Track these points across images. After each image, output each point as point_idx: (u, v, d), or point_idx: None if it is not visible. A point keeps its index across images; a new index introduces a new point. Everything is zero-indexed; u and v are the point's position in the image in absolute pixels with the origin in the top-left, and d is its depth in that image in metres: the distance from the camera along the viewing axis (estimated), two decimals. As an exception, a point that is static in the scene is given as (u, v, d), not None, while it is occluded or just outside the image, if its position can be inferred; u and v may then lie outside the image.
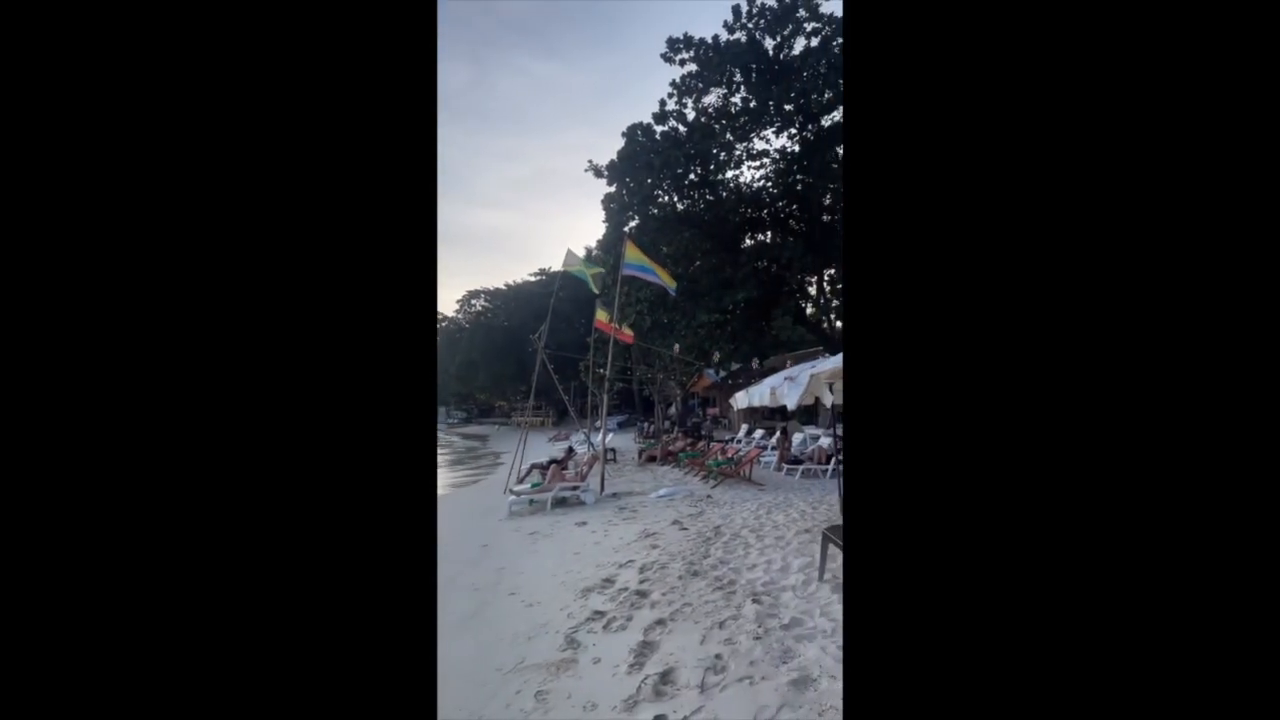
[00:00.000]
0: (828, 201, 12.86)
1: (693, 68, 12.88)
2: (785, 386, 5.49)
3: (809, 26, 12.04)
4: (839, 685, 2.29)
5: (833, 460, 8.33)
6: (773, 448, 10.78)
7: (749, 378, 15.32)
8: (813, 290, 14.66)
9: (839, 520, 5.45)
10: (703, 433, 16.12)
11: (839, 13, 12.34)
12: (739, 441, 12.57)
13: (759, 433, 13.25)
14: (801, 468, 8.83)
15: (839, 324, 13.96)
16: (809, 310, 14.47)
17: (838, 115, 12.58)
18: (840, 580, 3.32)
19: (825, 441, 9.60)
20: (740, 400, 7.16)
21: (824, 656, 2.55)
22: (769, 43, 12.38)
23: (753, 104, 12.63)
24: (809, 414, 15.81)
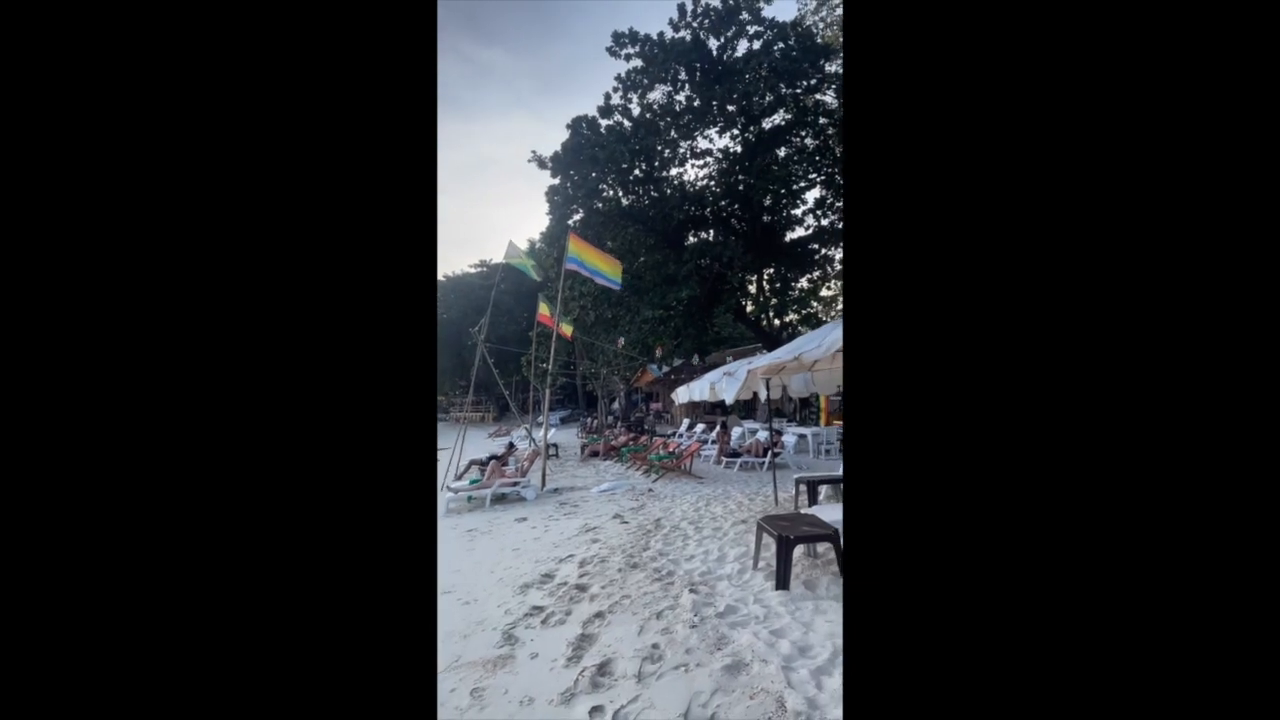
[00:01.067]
0: (768, 203, 13.20)
1: (638, 63, 12.86)
2: (724, 382, 5.65)
3: (751, 29, 12.29)
4: (770, 668, 2.39)
5: (769, 453, 8.61)
6: (713, 442, 11.02)
7: (691, 373, 15.57)
8: (753, 289, 15.03)
9: (774, 511, 5.65)
10: (645, 427, 16.26)
11: (780, 17, 12.66)
12: (680, 436, 12.77)
13: (700, 427, 13.50)
14: (740, 460, 9.08)
15: (777, 321, 14.40)
16: (749, 308, 14.83)
17: (778, 118, 12.93)
18: (774, 568, 3.45)
19: (762, 435, 9.90)
20: (682, 395, 7.29)
21: (756, 642, 2.65)
22: (713, 43, 12.53)
23: (696, 102, 12.76)
24: (747, 408, 16.27)
